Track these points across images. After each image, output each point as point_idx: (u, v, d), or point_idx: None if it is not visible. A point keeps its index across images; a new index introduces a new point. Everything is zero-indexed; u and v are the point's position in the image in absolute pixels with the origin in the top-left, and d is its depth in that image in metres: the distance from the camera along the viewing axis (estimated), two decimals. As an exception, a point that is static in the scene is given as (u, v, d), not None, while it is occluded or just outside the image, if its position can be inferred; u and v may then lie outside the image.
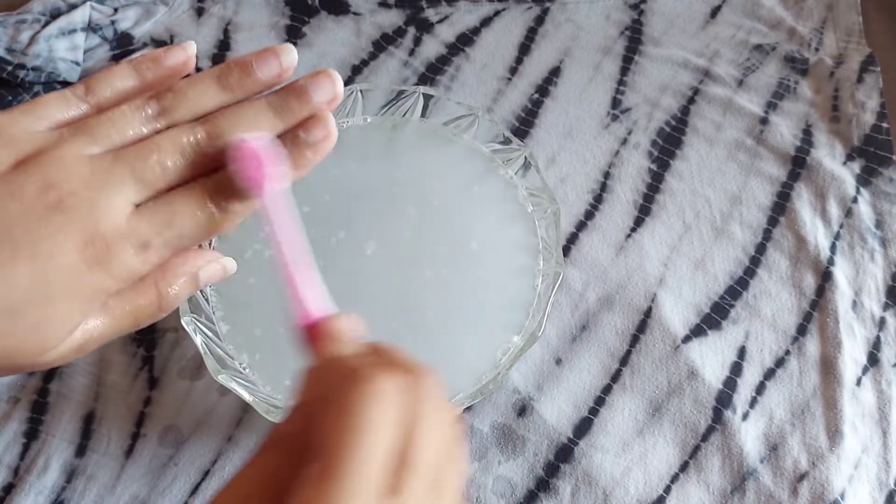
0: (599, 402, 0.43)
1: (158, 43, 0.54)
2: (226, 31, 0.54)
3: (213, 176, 0.27)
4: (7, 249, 0.24)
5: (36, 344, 0.25)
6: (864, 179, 0.49)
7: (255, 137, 0.27)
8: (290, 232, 0.27)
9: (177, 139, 0.27)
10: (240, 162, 0.26)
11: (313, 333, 0.26)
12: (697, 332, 0.45)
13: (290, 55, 0.29)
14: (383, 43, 0.54)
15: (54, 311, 0.25)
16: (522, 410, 0.43)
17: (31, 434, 0.42)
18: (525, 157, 0.44)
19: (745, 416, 0.43)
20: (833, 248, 0.47)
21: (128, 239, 0.26)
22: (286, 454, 0.22)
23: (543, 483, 0.41)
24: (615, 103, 0.52)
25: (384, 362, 0.23)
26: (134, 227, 0.26)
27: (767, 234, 0.48)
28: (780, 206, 0.49)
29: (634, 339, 0.45)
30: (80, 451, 0.42)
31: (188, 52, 0.29)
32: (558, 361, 0.44)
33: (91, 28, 0.53)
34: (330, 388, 0.22)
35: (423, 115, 0.46)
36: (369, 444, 0.20)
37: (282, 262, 0.26)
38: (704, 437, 0.42)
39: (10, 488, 0.41)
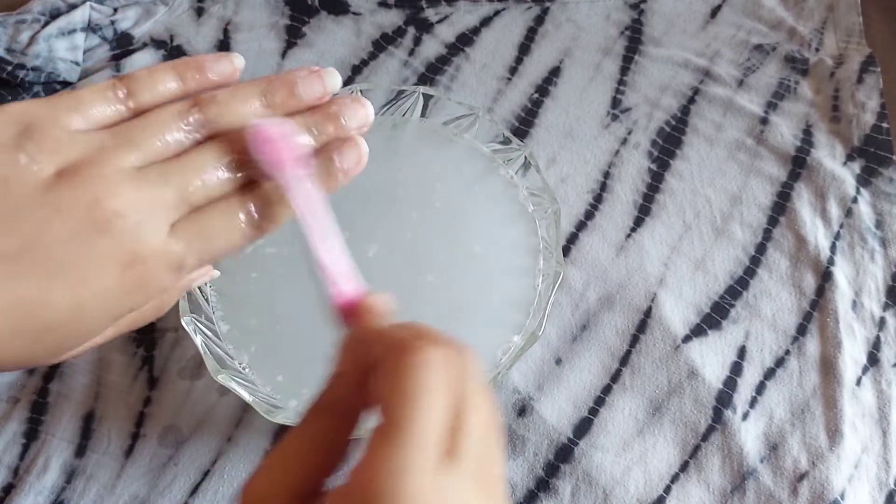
0: (599, 401, 0.43)
1: (158, 43, 0.54)
2: (225, 31, 0.54)
3: (253, 191, 0.28)
4: (48, 269, 0.24)
5: (60, 352, 0.26)
6: (864, 179, 0.49)
7: (274, 122, 0.27)
8: (317, 213, 0.27)
9: (221, 156, 0.27)
10: (260, 145, 0.26)
11: (349, 311, 0.26)
12: (697, 331, 0.45)
13: (335, 80, 0.30)
14: (383, 43, 0.54)
15: (85, 328, 0.25)
16: (522, 410, 0.43)
17: (31, 434, 0.42)
18: (525, 157, 0.44)
19: (745, 416, 0.43)
20: (833, 248, 0.47)
21: (164, 259, 0.25)
22: (336, 418, 0.23)
23: (543, 483, 0.41)
24: (615, 103, 0.52)
25: (427, 336, 0.23)
26: (171, 247, 0.26)
27: (767, 234, 0.48)
28: (780, 206, 0.49)
29: (634, 339, 0.45)
30: (80, 451, 0.42)
31: (235, 64, 0.30)
32: (558, 361, 0.44)
33: (91, 28, 0.53)
34: (378, 358, 0.23)
35: (423, 115, 0.46)
36: (429, 408, 0.21)
37: (311, 244, 0.27)
38: (704, 437, 0.42)
39: (9, 488, 0.41)
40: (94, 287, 0.24)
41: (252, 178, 0.28)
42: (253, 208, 0.27)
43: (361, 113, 0.30)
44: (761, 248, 0.47)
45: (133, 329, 0.29)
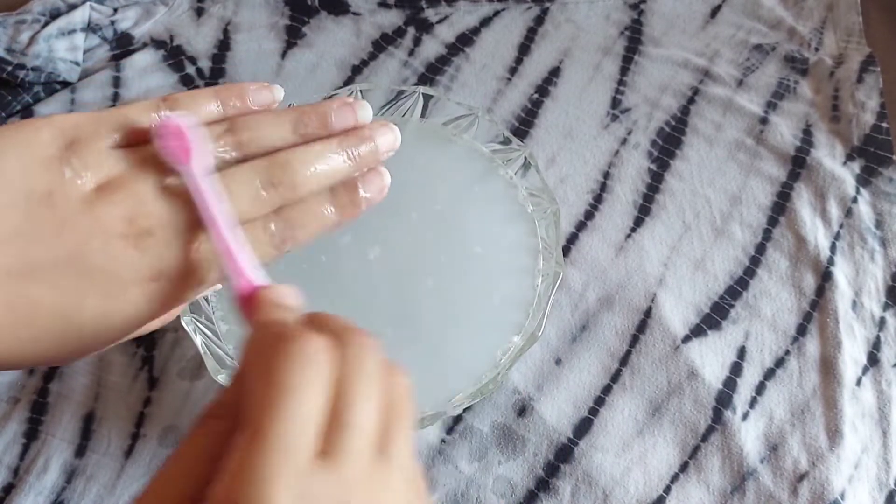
0: (599, 402, 0.43)
1: (158, 43, 0.54)
2: (225, 31, 0.54)
3: (278, 213, 0.28)
4: (84, 280, 0.25)
5: (78, 355, 0.27)
6: (864, 179, 0.49)
7: (179, 115, 0.27)
8: (219, 207, 0.27)
9: (252, 180, 0.27)
10: (165, 138, 0.26)
11: (251, 303, 0.26)
12: (697, 332, 0.45)
13: (366, 112, 0.30)
14: (383, 43, 0.54)
15: (108, 335, 0.26)
16: (522, 410, 0.43)
17: (31, 434, 0.42)
18: (525, 157, 0.44)
19: (745, 416, 0.43)
20: (833, 248, 0.47)
21: (188, 275, 0.26)
22: (223, 423, 0.22)
23: (543, 483, 0.41)
24: (615, 103, 0.52)
25: (315, 326, 0.23)
26: (197, 265, 0.27)
27: (767, 234, 0.48)
28: (780, 206, 0.49)
29: (634, 339, 0.45)
30: (80, 451, 0.42)
31: (275, 95, 0.30)
32: (558, 361, 0.44)
33: (91, 28, 0.53)
34: (259, 353, 0.22)
35: (422, 115, 0.46)
36: (295, 406, 0.20)
37: (216, 236, 0.26)
38: (704, 437, 0.42)
39: (9, 488, 0.41)
40: (121, 298, 0.25)
41: (278, 202, 0.28)
42: (275, 228, 0.28)
43: (391, 137, 0.31)
44: (761, 248, 0.47)
45: (139, 335, 0.29)
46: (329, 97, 0.46)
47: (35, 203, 0.24)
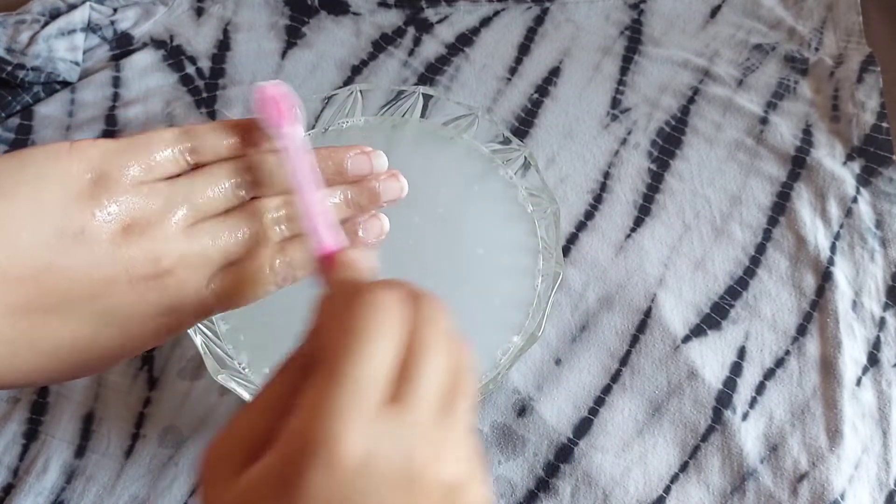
0: (599, 402, 0.43)
1: (158, 43, 0.54)
2: (225, 31, 0.54)
3: (285, 248, 0.29)
4: (104, 316, 0.26)
5: (80, 376, 0.28)
6: (864, 179, 0.49)
7: (273, 84, 0.29)
8: (308, 171, 0.28)
9: (265, 220, 0.29)
10: (261, 104, 0.28)
11: (328, 263, 0.27)
12: (697, 332, 0.45)
13: (381, 161, 0.32)
14: (383, 43, 0.54)
15: (113, 362, 0.28)
16: (522, 410, 0.43)
17: (31, 435, 0.42)
18: (525, 157, 0.44)
19: (745, 417, 0.43)
20: (833, 248, 0.47)
21: (197, 308, 0.28)
22: (298, 370, 0.23)
23: (543, 483, 0.41)
24: (615, 103, 0.52)
25: (392, 284, 0.24)
26: (205, 299, 0.28)
27: (767, 234, 0.48)
28: (780, 206, 0.49)
29: (634, 339, 0.45)
30: (80, 451, 0.42)
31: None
32: (558, 361, 0.44)
33: (90, 28, 0.53)
34: (337, 307, 0.23)
35: (422, 115, 0.46)
36: (370, 350, 0.21)
37: (301, 199, 0.28)
38: (704, 438, 0.42)
39: (9, 489, 0.41)
40: (134, 332, 0.27)
41: (286, 237, 0.30)
42: (279, 266, 0.29)
43: (396, 188, 0.32)
44: (761, 249, 0.47)
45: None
46: (328, 97, 0.46)
47: (68, 240, 0.25)
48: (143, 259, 0.26)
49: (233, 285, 0.28)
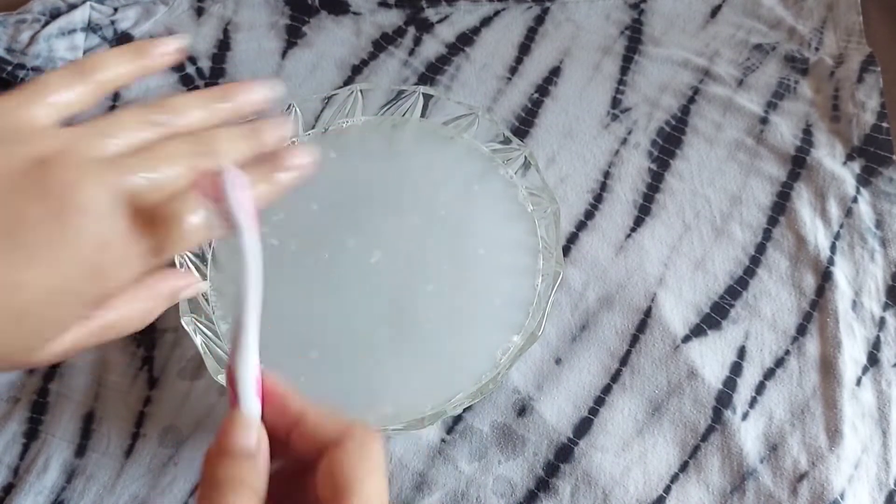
0: (599, 401, 0.43)
1: (158, 43, 0.54)
2: (225, 31, 0.54)
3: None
4: (23, 253, 0.24)
5: (38, 341, 0.26)
6: (864, 179, 0.49)
7: (239, 171, 0.26)
8: (257, 266, 0.26)
9: (182, 150, 0.28)
10: (236, 191, 0.26)
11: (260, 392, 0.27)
12: (697, 331, 0.45)
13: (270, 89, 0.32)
14: (383, 43, 0.54)
15: (57, 313, 0.26)
16: (522, 410, 0.43)
17: (31, 434, 0.42)
18: (525, 157, 0.44)
19: (744, 416, 0.43)
20: (833, 248, 0.47)
21: (131, 245, 0.26)
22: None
23: (543, 483, 0.41)
24: (615, 103, 0.52)
25: (356, 423, 0.26)
26: (138, 234, 0.26)
27: (767, 234, 0.48)
28: (780, 206, 0.49)
29: (634, 339, 0.45)
30: (80, 451, 0.42)
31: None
32: (558, 361, 0.44)
33: (91, 28, 0.53)
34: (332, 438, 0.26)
35: (422, 114, 0.46)
36: (381, 482, 0.25)
37: (244, 304, 0.26)
38: (704, 437, 0.42)
39: (9, 488, 0.41)
40: (64, 270, 0.25)
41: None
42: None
43: (282, 125, 0.32)
44: (761, 248, 0.47)
45: (117, 337, 0.29)
46: (328, 97, 0.46)
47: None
48: (56, 186, 0.25)
49: (167, 220, 0.27)
